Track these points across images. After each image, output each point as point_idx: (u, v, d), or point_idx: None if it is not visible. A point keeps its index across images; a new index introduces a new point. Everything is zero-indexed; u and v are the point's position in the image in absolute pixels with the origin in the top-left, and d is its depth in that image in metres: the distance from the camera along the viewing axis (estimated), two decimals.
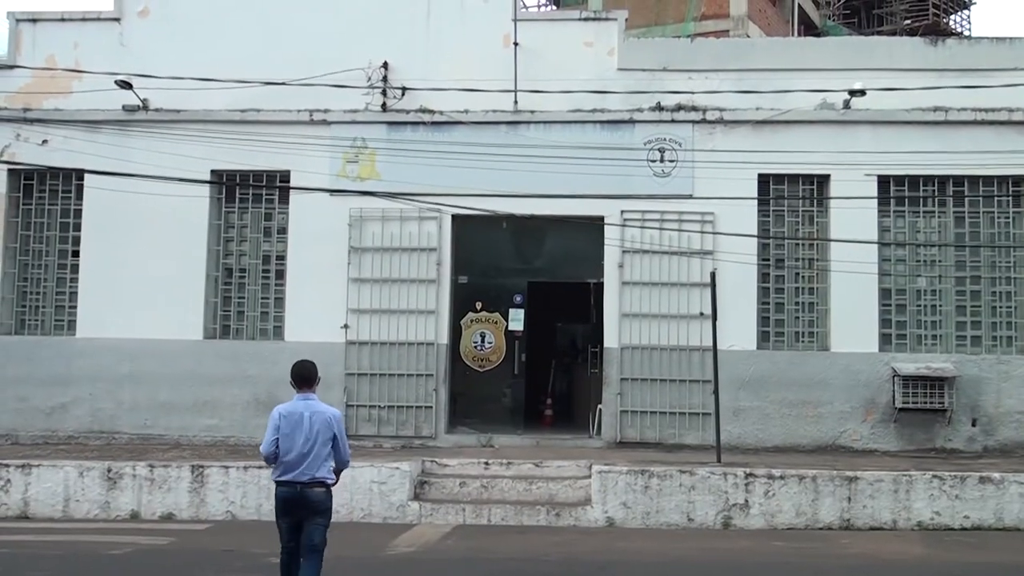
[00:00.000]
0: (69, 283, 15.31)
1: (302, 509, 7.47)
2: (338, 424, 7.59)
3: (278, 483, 7.54)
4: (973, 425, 14.18)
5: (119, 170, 13.69)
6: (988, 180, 14.55)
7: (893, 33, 31.56)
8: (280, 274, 15.12)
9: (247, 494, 12.35)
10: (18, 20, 15.42)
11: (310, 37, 14.83)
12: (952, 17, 36.93)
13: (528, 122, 14.66)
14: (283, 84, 14.47)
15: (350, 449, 7.98)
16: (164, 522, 12.22)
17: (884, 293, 14.56)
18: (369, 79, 14.65)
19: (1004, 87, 13.87)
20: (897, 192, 14.64)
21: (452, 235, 14.85)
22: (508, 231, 15.24)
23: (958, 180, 14.57)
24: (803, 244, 14.84)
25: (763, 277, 14.67)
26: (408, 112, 14.79)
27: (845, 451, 14.08)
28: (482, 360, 15.27)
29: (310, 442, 7.43)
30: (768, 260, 14.76)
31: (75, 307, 15.16)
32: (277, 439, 7.45)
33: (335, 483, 7.70)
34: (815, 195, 14.82)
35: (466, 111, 14.64)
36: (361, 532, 11.52)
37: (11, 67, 15.30)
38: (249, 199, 15.30)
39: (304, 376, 7.65)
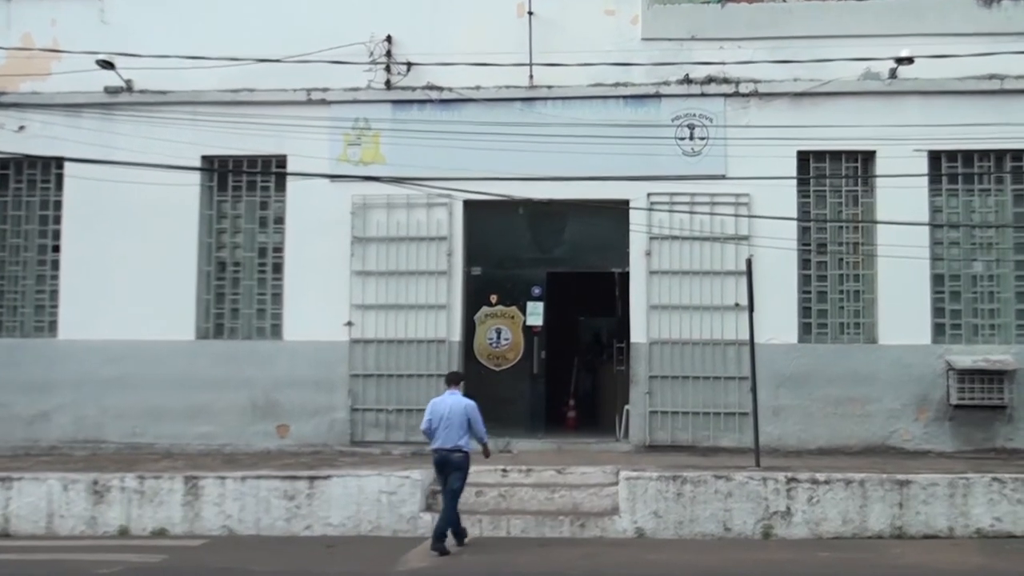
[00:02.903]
0: (50, 281, 15.33)
1: (447, 466, 11.17)
2: (471, 411, 11.28)
3: (432, 450, 11.27)
4: None
5: (102, 157, 13.72)
6: None
7: None
8: (277, 268, 15.11)
9: (245, 507, 12.35)
10: None
11: (307, 10, 14.84)
12: None
13: (545, 98, 14.62)
14: (278, 61, 14.48)
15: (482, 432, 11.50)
16: (156, 538, 12.22)
17: (937, 279, 14.44)
18: (371, 54, 14.65)
19: None
20: (949, 168, 14.51)
21: (464, 222, 14.85)
22: (525, 217, 15.20)
23: (1016, 154, 14.43)
24: (847, 227, 14.73)
25: (804, 264, 14.59)
26: (414, 89, 14.77)
27: (896, 452, 13.99)
28: (498, 358, 15.25)
29: (450, 421, 11.12)
30: (809, 245, 14.68)
31: (56, 307, 15.20)
32: (431, 419, 11.24)
33: (484, 448, 11.57)
34: (860, 173, 14.72)
35: (477, 87, 14.62)
36: (368, 546, 11.59)
37: None
38: (243, 187, 15.30)
39: (451, 379, 11.75)
